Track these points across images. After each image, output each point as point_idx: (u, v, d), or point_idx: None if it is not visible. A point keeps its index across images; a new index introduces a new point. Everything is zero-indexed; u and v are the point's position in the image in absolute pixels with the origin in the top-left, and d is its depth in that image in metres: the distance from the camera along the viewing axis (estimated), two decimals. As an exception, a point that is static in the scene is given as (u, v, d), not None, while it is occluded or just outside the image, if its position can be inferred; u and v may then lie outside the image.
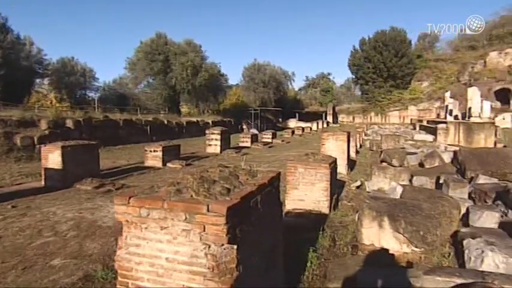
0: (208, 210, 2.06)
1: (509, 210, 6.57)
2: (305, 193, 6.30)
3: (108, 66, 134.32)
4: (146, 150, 13.24)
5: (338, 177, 8.78)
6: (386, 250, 4.88)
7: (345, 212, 6.69)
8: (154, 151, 13.09)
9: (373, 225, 4.97)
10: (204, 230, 2.07)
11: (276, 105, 52.72)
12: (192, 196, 2.24)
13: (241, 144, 21.26)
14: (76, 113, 21.88)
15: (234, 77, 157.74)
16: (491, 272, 3.80)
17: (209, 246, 2.08)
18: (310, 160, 6.37)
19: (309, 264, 4.29)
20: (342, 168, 10.05)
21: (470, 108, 27.07)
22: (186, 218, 2.10)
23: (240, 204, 2.19)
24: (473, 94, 27.40)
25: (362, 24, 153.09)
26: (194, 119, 33.76)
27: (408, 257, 4.77)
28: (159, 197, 2.23)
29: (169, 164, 12.89)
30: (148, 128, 25.45)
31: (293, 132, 31.98)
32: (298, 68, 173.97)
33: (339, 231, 5.63)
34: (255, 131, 31.81)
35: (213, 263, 2.07)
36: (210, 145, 18.03)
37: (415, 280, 3.47)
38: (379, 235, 4.98)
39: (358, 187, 8.90)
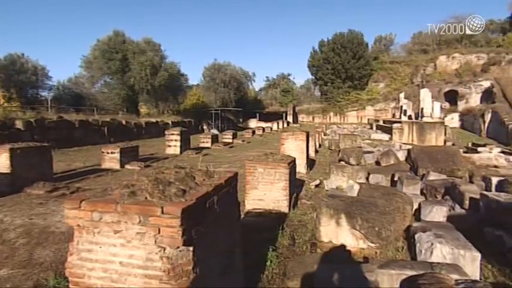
0: (162, 212, 2.02)
1: (456, 205, 6.95)
2: (264, 193, 6.34)
3: (63, 64, 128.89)
4: (103, 152, 12.83)
5: (297, 176, 8.91)
6: (344, 246, 5.01)
7: (304, 211, 6.79)
8: (111, 153, 12.71)
9: (331, 222, 5.09)
10: (159, 233, 2.04)
11: (236, 106, 52.74)
12: (146, 198, 2.19)
13: (201, 145, 21.10)
14: (27, 114, 20.85)
15: (194, 77, 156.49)
16: (439, 263, 4.01)
17: (164, 249, 2.05)
18: (270, 160, 6.42)
19: (268, 263, 4.32)
20: (301, 168, 10.20)
21: (422, 109, 28.30)
22: (140, 220, 2.05)
23: (196, 205, 2.17)
24: (425, 95, 28.68)
25: (321, 26, 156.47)
26: (153, 120, 33.09)
27: (365, 253, 4.92)
28: (112, 200, 2.17)
29: (127, 166, 12.56)
30: (106, 129, 24.67)
31: (254, 132, 32.11)
32: (259, 68, 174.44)
33: (298, 229, 5.71)
34: (215, 131, 31.71)
35: (169, 266, 2.04)
36: (169, 146, 17.75)
37: (369, 274, 3.58)
38: (336, 232, 5.10)
39: (317, 186, 9.07)
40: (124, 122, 27.67)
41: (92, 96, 44.99)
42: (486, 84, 43.14)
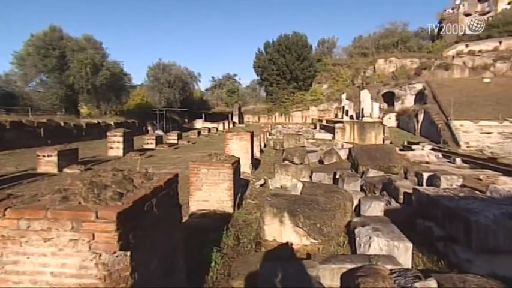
0: (97, 217, 1.95)
1: (393, 199, 7.36)
2: (209, 193, 6.31)
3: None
4: (39, 155, 12.03)
5: (242, 176, 8.96)
6: (288, 244, 5.11)
7: (249, 210, 6.84)
8: (48, 156, 11.95)
9: (274, 221, 5.17)
10: (94, 239, 1.96)
11: (182, 106, 51.79)
12: (80, 203, 2.10)
13: (145, 146, 20.51)
14: None
15: (138, 76, 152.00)
16: (376, 255, 4.24)
17: (100, 255, 1.97)
18: (213, 160, 6.39)
19: (213, 264, 4.31)
20: (246, 168, 10.27)
21: (362, 109, 29.63)
22: (72, 227, 1.96)
23: (133, 208, 2.11)
24: (365, 96, 30.05)
25: (266, 27, 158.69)
26: (95, 121, 31.59)
27: (308, 249, 5.05)
28: (42, 206, 2.04)
29: (66, 170, 11.89)
30: (42, 130, 23.15)
31: (199, 132, 31.82)
32: (205, 68, 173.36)
33: (243, 229, 5.74)
34: (160, 132, 30.95)
35: (105, 273, 1.96)
36: (112, 148, 17.05)
37: (311, 270, 3.69)
38: (280, 231, 5.20)
39: (262, 185, 9.17)
40: (62, 123, 26.16)
41: (25, 96, 41.77)
42: (419, 86, 46.11)
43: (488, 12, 60.56)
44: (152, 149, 19.76)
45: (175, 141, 24.10)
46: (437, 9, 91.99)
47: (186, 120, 53.51)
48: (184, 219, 6.07)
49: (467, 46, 53.29)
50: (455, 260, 4.57)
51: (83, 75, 34.01)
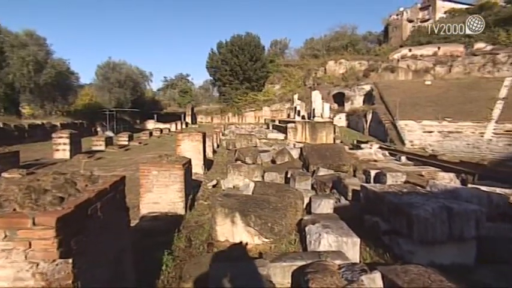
0: (34, 224, 1.84)
1: (342, 197, 7.60)
2: (160, 195, 6.18)
3: None
4: (-28, 160, 11.22)
5: (194, 177, 8.87)
6: (240, 244, 5.12)
7: (201, 211, 6.78)
8: (-17, 160, 11.18)
9: (226, 221, 5.17)
10: (30, 247, 1.85)
11: (133, 106, 50.26)
12: (15, 210, 1.97)
13: (94, 148, 19.75)
14: None
15: (86, 75, 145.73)
16: (326, 251, 4.36)
17: (37, 265, 1.87)
18: (164, 162, 6.28)
19: (164, 267, 4.22)
20: (198, 168, 10.17)
21: (314, 109, 30.28)
22: (5, 235, 1.83)
23: (75, 213, 2.02)
24: (316, 97, 30.73)
25: (219, 27, 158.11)
26: (39, 122, 29.94)
27: (260, 248, 5.09)
28: (-30, 215, 1.90)
29: (5, 174, 11.12)
30: (-23, 132, 21.62)
31: (151, 133, 31.16)
32: (156, 68, 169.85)
33: (195, 230, 5.68)
34: (110, 133, 29.95)
35: (43, 283, 1.86)
36: (57, 150, 16.23)
37: (262, 269, 3.72)
38: (232, 231, 5.20)
39: (214, 186, 9.13)
40: (1, 125, 24.55)
41: (-44, 94, 38.76)
42: (367, 87, 48.05)
43: (428, 20, 64.89)
44: (102, 151, 19.06)
45: (126, 143, 23.43)
46: (384, 14, 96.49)
47: (138, 121, 52.08)
48: (135, 222, 5.92)
49: (410, 50, 56.33)
50: (399, 252, 4.79)
51: (25, 73, 31.99)
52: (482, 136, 32.32)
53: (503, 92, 37.26)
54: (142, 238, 5.12)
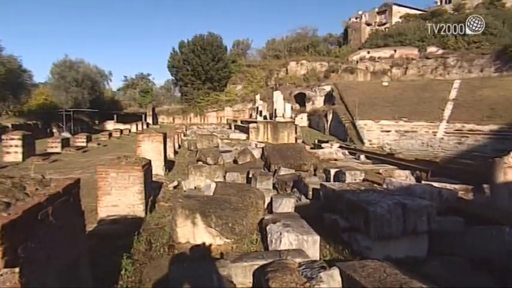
0: (-25, 232, 1.74)
1: (303, 196, 7.73)
2: (119, 198, 6.01)
3: None
4: None
5: (155, 178, 8.71)
6: (201, 245, 5.09)
7: (162, 213, 6.67)
8: None
9: (187, 223, 5.12)
10: (-29, 257, 1.74)
11: (91, 106, 48.50)
12: (-45, 217, 1.86)
13: (50, 150, 18.88)
14: None
15: (40, 74, 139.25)
16: (286, 250, 4.42)
17: (-20, 275, 1.76)
18: (123, 163, 6.11)
19: (123, 271, 4.12)
20: (159, 170, 10.00)
21: (276, 110, 30.57)
22: None
23: (22, 219, 1.93)
24: (278, 97, 31.06)
25: (181, 27, 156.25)
26: (-13, 123, 28.36)
27: (221, 249, 5.07)
28: None
29: None
30: None
31: (111, 134, 30.20)
32: (116, 67, 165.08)
33: (155, 233, 5.58)
34: (67, 134, 28.80)
35: (-14, 295, 1.76)
36: (8, 153, 15.40)
37: (222, 269, 3.72)
38: (193, 232, 5.16)
39: (175, 187, 9.01)
40: None
41: None
42: (328, 88, 49.11)
43: (385, 24, 67.63)
44: (58, 153, 18.27)
45: (84, 144, 22.60)
46: (343, 17, 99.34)
47: (97, 122, 50.35)
48: (93, 226, 5.74)
49: (368, 52, 58.36)
50: (357, 248, 4.94)
51: (-29, 70, 30.19)
52: (435, 135, 33.93)
53: (453, 94, 39.27)
54: (101, 242, 4.97)
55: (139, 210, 6.14)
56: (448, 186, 8.89)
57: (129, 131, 36.19)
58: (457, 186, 9.23)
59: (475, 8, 58.07)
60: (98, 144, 23.88)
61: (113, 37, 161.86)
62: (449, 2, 63.75)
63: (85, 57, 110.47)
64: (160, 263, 4.27)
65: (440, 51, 53.10)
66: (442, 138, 33.12)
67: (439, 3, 67.10)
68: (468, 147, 30.39)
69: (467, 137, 31.79)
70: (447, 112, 36.23)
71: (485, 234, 5.13)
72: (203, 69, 54.49)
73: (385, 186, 7.94)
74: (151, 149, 10.27)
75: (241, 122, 36.30)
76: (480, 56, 48.14)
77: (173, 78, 62.83)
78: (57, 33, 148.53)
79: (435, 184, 8.35)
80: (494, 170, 7.86)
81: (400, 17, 67.07)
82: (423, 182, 10.07)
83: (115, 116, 50.50)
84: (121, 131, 33.26)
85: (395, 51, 56.76)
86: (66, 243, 2.66)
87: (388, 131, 35.68)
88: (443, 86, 41.51)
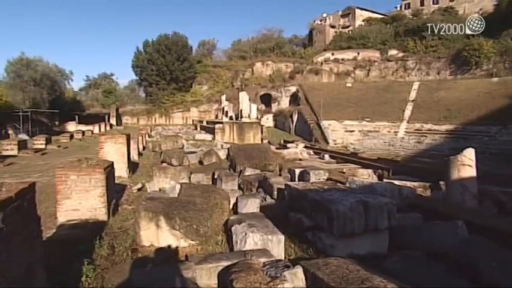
0: None
1: (268, 195, 7.78)
2: (79, 202, 5.82)
3: None
4: None
5: (118, 181, 8.53)
6: (166, 248, 5.02)
7: (126, 216, 6.53)
8: None
9: (150, 226, 5.03)
10: None
11: (51, 107, 46.67)
12: None
13: (5, 153, 18.04)
14: None
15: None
16: (251, 250, 4.44)
17: None
18: (83, 166, 5.92)
19: (84, 278, 3.99)
20: (122, 172, 9.78)
21: (241, 110, 30.58)
22: None
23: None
24: (244, 98, 31.07)
25: (145, 26, 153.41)
26: None
27: (186, 251, 5.02)
28: None
29: None
30: None
31: (72, 136, 29.24)
32: (78, 66, 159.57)
33: (118, 237, 5.46)
34: (24, 136, 27.69)
35: None
36: (-42, 156, 14.62)
37: (186, 272, 3.69)
38: (157, 235, 5.07)
39: (139, 189, 8.83)
40: None
41: None
42: (293, 89, 49.80)
43: (348, 26, 69.55)
44: (14, 156, 17.47)
45: (43, 146, 21.78)
46: (308, 19, 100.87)
47: (57, 123, 48.54)
48: (52, 232, 5.54)
49: (333, 54, 59.72)
50: (321, 247, 5.03)
51: None
52: (396, 135, 35.15)
53: (412, 95, 40.89)
54: (60, 248, 4.80)
55: (101, 213, 5.97)
56: (408, 183, 9.23)
57: (92, 132, 35.17)
58: (416, 184, 9.60)
59: (431, 14, 60.60)
60: (58, 146, 23.05)
61: (73, 35, 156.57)
62: (409, 8, 66.30)
63: (44, 55, 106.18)
64: (123, 268, 4.17)
65: (401, 54, 55.23)
66: (403, 138, 34.36)
67: (399, 9, 69.65)
68: (427, 146, 31.76)
69: (426, 136, 33.18)
70: (407, 112, 37.64)
71: (440, 228, 5.37)
72: (168, 69, 53.77)
73: (348, 185, 8.11)
74: (114, 150, 10.02)
75: (207, 122, 36.12)
76: (437, 60, 50.51)
77: (137, 78, 61.66)
78: (12, 31, 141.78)
79: (396, 182, 8.63)
80: (449, 167, 8.22)
81: (363, 20, 69.22)
82: (385, 180, 10.39)
83: (77, 117, 48.87)
84: (83, 132, 32.28)
85: (358, 53, 58.48)
86: (20, 251, 2.55)
87: (351, 131, 36.60)
88: (403, 88, 43.13)
